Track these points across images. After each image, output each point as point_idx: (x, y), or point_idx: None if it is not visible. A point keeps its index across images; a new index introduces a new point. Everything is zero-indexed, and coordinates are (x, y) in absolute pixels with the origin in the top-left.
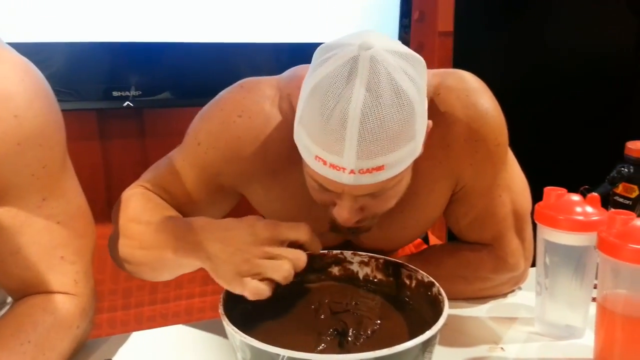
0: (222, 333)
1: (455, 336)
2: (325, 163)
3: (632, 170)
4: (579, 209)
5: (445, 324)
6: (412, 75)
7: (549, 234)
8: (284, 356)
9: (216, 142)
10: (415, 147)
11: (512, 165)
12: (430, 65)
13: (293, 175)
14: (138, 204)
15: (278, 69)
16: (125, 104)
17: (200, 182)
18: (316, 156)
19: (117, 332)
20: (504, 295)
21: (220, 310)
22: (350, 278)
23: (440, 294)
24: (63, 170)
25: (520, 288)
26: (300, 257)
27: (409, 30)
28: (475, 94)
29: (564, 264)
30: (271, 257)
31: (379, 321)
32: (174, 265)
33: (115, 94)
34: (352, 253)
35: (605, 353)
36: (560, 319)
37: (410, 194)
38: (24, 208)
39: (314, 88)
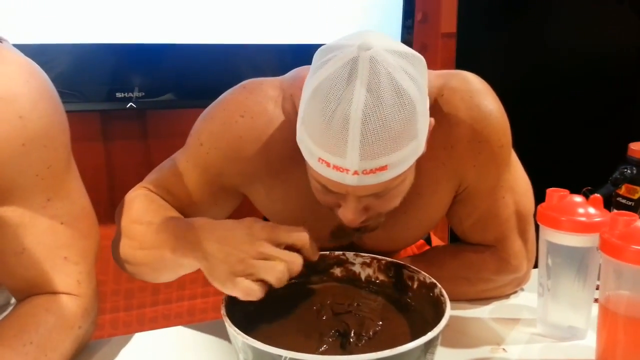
0: (224, 334)
1: (458, 337)
2: (328, 165)
3: (634, 172)
4: (581, 210)
5: (447, 325)
6: (412, 74)
7: (551, 235)
8: (285, 357)
9: (218, 142)
10: (418, 146)
11: (515, 166)
12: (433, 66)
13: (295, 175)
14: (141, 205)
15: (281, 70)
16: (129, 105)
17: (203, 182)
18: (319, 158)
19: (120, 333)
20: (507, 296)
21: (223, 311)
22: (352, 279)
23: (442, 295)
24: (67, 171)
25: (522, 289)
26: (296, 260)
27: (412, 32)
28: (479, 96)
29: (566, 265)
30: (266, 258)
31: (380, 322)
32: (173, 265)
33: (118, 95)
34: (354, 254)
35: (608, 354)
36: (563, 320)
37: (413, 195)
38: (29, 208)
39: (315, 90)
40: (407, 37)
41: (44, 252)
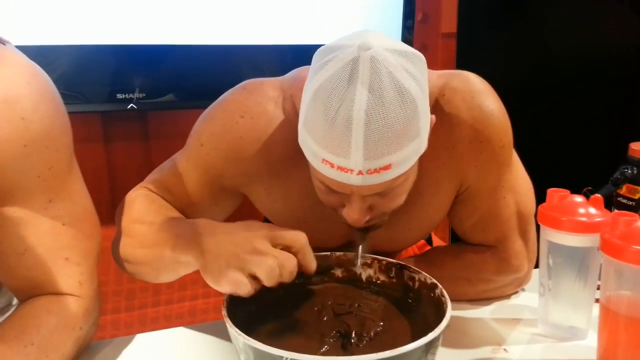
0: (226, 335)
1: (459, 338)
2: (332, 166)
3: (635, 172)
4: (582, 211)
5: (448, 326)
6: (412, 73)
7: (552, 236)
8: (286, 358)
9: (218, 142)
10: (420, 144)
11: (516, 166)
12: (433, 66)
13: (296, 175)
14: (142, 205)
15: (281, 71)
16: (130, 106)
17: (203, 182)
18: (323, 159)
19: (121, 334)
20: (508, 296)
21: (224, 312)
22: (353, 280)
23: (443, 295)
24: (69, 172)
25: (523, 289)
26: (289, 259)
27: (412, 32)
28: (480, 96)
29: (567, 265)
30: (260, 255)
31: (381, 323)
32: (172, 263)
33: (119, 96)
34: (355, 254)
35: (609, 354)
36: (564, 320)
37: (414, 195)
38: (30, 209)
39: (316, 92)
40: (408, 37)
41: (45, 253)
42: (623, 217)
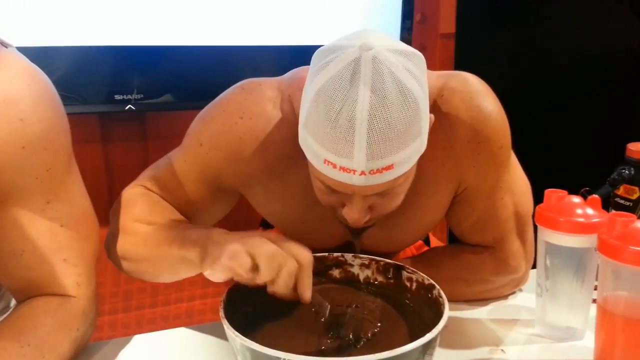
0: (223, 336)
1: (456, 338)
2: (335, 166)
3: (632, 172)
4: (579, 211)
5: (445, 326)
6: (414, 73)
7: (549, 236)
8: (284, 359)
9: (218, 143)
10: (421, 144)
11: (514, 167)
12: (431, 67)
13: (294, 176)
14: (144, 206)
15: (280, 72)
16: (127, 107)
17: (202, 182)
18: (325, 160)
19: (118, 335)
20: (505, 297)
21: (221, 313)
22: (350, 281)
23: (440, 296)
24: (68, 174)
25: (521, 290)
26: (290, 261)
27: (411, 32)
28: (478, 96)
29: (564, 266)
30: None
31: (379, 324)
32: (176, 262)
33: (117, 97)
34: (352, 256)
35: (606, 355)
36: (561, 320)
37: (412, 195)
38: (28, 210)
39: (318, 92)
40: (406, 38)
41: (43, 254)
42: (620, 217)
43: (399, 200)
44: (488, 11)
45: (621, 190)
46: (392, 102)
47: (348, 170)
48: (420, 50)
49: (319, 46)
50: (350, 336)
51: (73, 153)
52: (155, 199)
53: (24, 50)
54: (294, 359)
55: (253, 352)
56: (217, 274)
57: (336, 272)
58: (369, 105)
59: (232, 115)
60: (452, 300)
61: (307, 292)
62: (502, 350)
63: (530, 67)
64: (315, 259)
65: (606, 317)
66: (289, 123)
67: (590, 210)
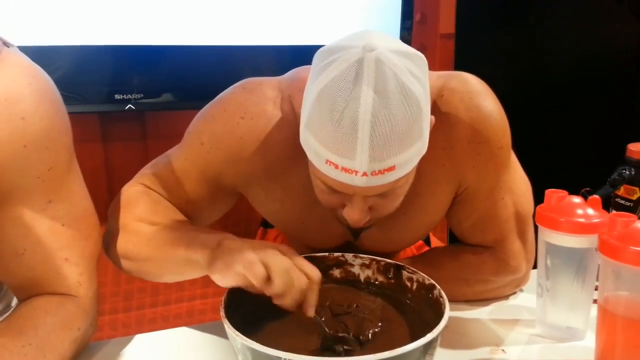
0: (224, 335)
1: (457, 338)
2: (337, 167)
3: (633, 172)
4: (580, 211)
5: (446, 326)
6: (416, 74)
7: (550, 236)
8: (284, 359)
9: (219, 142)
10: (423, 145)
11: (514, 167)
12: (431, 67)
13: (293, 176)
14: (146, 205)
15: (280, 71)
16: (127, 106)
17: (202, 181)
18: (327, 160)
19: (119, 335)
20: (506, 297)
21: (222, 312)
22: (351, 280)
23: (441, 296)
24: (69, 173)
25: (521, 290)
26: (302, 278)
27: (411, 32)
28: (478, 97)
29: (565, 266)
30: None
31: (380, 323)
32: (182, 263)
33: (117, 97)
34: (353, 255)
35: (606, 355)
36: (562, 321)
37: (412, 196)
38: (30, 210)
39: (321, 92)
40: (406, 38)
41: (44, 253)
42: (621, 218)
43: (399, 201)
44: (488, 11)
45: (621, 191)
46: (394, 104)
47: (350, 171)
48: (420, 51)
49: (319, 46)
50: (351, 336)
51: (74, 152)
52: (157, 197)
53: (24, 50)
54: (295, 358)
55: (254, 352)
56: (227, 280)
57: (337, 272)
58: (372, 106)
59: (233, 115)
60: (453, 300)
61: (311, 308)
62: (502, 350)
63: (530, 67)
64: (316, 258)
65: (607, 318)
66: (290, 123)
67: (590, 211)
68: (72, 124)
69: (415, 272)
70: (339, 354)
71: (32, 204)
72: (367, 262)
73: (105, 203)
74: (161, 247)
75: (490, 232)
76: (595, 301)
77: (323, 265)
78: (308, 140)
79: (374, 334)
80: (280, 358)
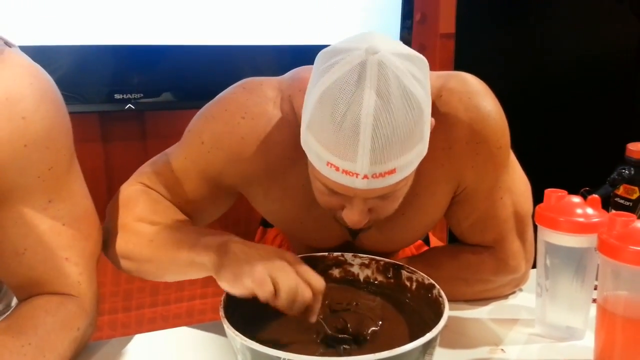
0: (223, 335)
1: (456, 338)
2: (337, 169)
3: (632, 172)
4: (579, 211)
5: (445, 326)
6: (418, 78)
7: (549, 236)
8: (284, 359)
9: (220, 142)
10: (423, 148)
11: (514, 167)
12: (431, 67)
13: (293, 176)
14: (146, 205)
15: (280, 71)
16: (127, 106)
17: (202, 180)
18: (328, 162)
19: (118, 335)
20: (505, 297)
21: (221, 312)
22: (350, 280)
23: (440, 295)
24: (69, 173)
25: (521, 290)
26: (307, 290)
27: (411, 32)
28: (477, 97)
29: (564, 266)
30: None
31: (379, 323)
32: (185, 264)
33: (117, 96)
34: (352, 255)
35: (606, 354)
36: (561, 320)
37: (411, 196)
38: (30, 209)
39: (323, 94)
40: (406, 38)
41: (45, 253)
42: (620, 217)
43: (398, 202)
44: (488, 11)
45: (621, 190)
46: (396, 107)
47: (351, 174)
48: (420, 50)
49: (318, 46)
50: (350, 332)
51: (75, 152)
52: (156, 197)
53: (24, 49)
54: (294, 358)
55: (253, 352)
56: (235, 291)
57: (336, 272)
58: (374, 109)
59: (234, 115)
60: (452, 300)
61: (314, 316)
62: (502, 350)
63: (530, 67)
64: (315, 258)
65: (606, 317)
66: (290, 123)
67: (590, 210)
68: (72, 124)
69: (415, 271)
70: (339, 353)
71: (33, 203)
72: (366, 262)
73: (105, 203)
74: (163, 248)
75: (490, 231)
76: (594, 301)
77: (322, 265)
78: (309, 142)
79: (373, 333)
80: (279, 358)
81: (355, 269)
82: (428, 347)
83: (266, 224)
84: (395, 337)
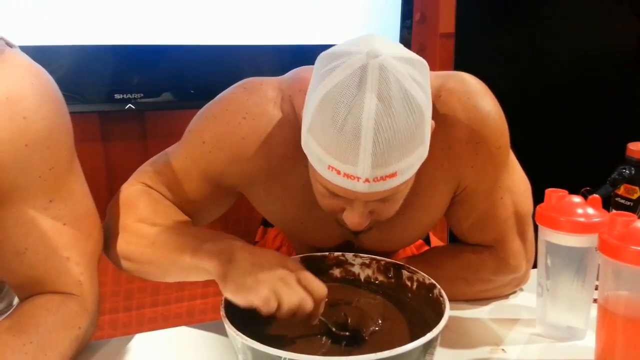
0: (224, 335)
1: (457, 338)
2: (339, 173)
3: (633, 172)
4: (580, 211)
5: (446, 326)
6: (419, 81)
7: (550, 236)
8: (285, 358)
9: (221, 142)
10: (424, 151)
11: (513, 167)
12: (431, 67)
13: (293, 176)
14: (147, 205)
15: (280, 71)
16: (128, 106)
17: (203, 180)
18: (329, 166)
19: (119, 334)
20: (506, 296)
21: (222, 312)
22: (351, 280)
23: (441, 295)
24: (70, 173)
25: (521, 289)
26: (308, 302)
27: (411, 32)
28: (476, 97)
29: (565, 266)
30: (286, 285)
31: (380, 322)
32: (188, 268)
33: (117, 96)
34: (353, 255)
35: (606, 354)
36: (562, 320)
37: (411, 196)
38: (31, 209)
39: (324, 98)
40: (406, 38)
41: (46, 253)
42: (621, 217)
43: (398, 204)
44: (488, 11)
45: (622, 190)
46: (398, 111)
47: (352, 177)
48: (419, 50)
49: (318, 46)
50: (350, 335)
51: (76, 152)
52: (157, 197)
53: (24, 49)
54: (295, 357)
55: (254, 351)
56: (238, 302)
57: (337, 272)
58: (375, 113)
59: (235, 115)
60: (453, 299)
61: (314, 320)
62: (502, 349)
63: (530, 67)
64: (316, 258)
65: (607, 317)
66: (290, 123)
67: (590, 210)
68: (73, 124)
69: (416, 271)
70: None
71: (34, 203)
72: (367, 262)
73: (106, 202)
74: (165, 251)
75: (490, 231)
76: (595, 301)
77: (323, 265)
78: (310, 145)
79: (374, 333)
80: (280, 357)
81: (356, 269)
82: (429, 346)
83: (267, 224)
84: (396, 336)
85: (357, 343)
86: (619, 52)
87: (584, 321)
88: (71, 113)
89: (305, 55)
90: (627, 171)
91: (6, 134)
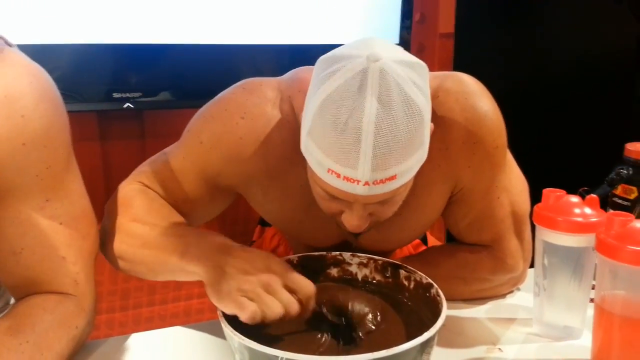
0: (221, 335)
1: (454, 337)
2: (339, 176)
3: (631, 172)
4: (577, 211)
5: (443, 325)
6: (419, 85)
7: (547, 235)
8: (282, 358)
9: (219, 142)
10: (423, 153)
11: (510, 167)
12: (430, 67)
13: (292, 176)
14: (141, 204)
15: (279, 71)
16: (126, 105)
17: (200, 180)
18: (329, 169)
19: (115, 334)
20: (503, 296)
21: (219, 312)
22: (349, 279)
23: (438, 295)
24: (67, 172)
25: (518, 289)
26: (294, 306)
27: (410, 32)
28: (473, 97)
29: (562, 265)
30: (269, 292)
31: (377, 321)
32: (175, 270)
33: (115, 95)
34: (350, 254)
35: (603, 354)
36: (559, 319)
37: (409, 196)
38: (28, 208)
39: (324, 102)
40: (406, 38)
41: (42, 252)
42: (618, 217)
43: (397, 206)
44: (488, 11)
45: (619, 190)
46: (398, 114)
47: (352, 180)
48: (419, 50)
49: (318, 46)
50: (348, 334)
51: (73, 151)
52: (152, 195)
53: (22, 48)
54: (293, 357)
55: (251, 351)
56: (224, 311)
57: (334, 271)
58: (376, 117)
59: (233, 115)
60: (450, 299)
61: (306, 317)
62: (499, 349)
63: (529, 67)
64: (314, 257)
65: (604, 317)
66: (289, 124)
67: (588, 210)
68: (70, 123)
69: (413, 271)
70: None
71: (30, 202)
72: (364, 261)
73: (103, 202)
74: (155, 251)
75: (487, 231)
76: (592, 300)
77: (321, 264)
78: (310, 148)
79: (371, 332)
80: (277, 357)
81: (353, 268)
82: (426, 346)
83: (264, 223)
84: (393, 336)
85: (354, 342)
86: (619, 53)
87: (581, 321)
88: (69, 112)
89: (305, 55)
90: (624, 171)
91: (4, 132)
